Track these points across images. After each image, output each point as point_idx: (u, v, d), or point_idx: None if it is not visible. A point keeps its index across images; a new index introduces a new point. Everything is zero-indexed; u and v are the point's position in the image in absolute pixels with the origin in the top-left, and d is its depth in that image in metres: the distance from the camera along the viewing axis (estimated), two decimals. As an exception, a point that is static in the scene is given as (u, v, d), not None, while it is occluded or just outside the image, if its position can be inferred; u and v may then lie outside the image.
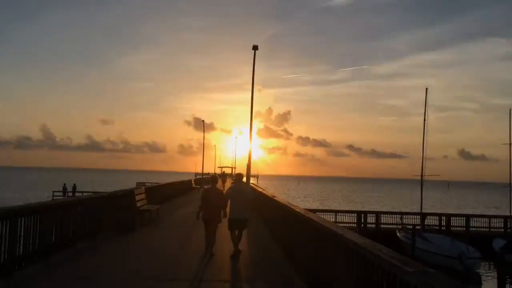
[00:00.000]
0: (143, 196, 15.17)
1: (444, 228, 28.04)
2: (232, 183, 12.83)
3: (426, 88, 28.61)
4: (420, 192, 27.94)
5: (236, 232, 9.10)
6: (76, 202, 9.79)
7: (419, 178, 28.20)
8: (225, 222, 9.30)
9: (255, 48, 19.93)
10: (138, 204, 14.01)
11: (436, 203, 71.34)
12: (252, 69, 20.43)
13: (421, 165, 28.06)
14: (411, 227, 27.31)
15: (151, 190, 18.56)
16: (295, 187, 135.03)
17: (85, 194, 40.63)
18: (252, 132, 20.90)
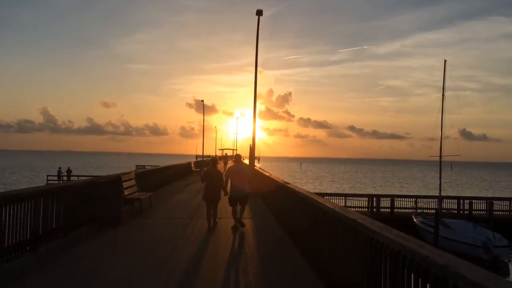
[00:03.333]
0: (132, 182, 13.04)
1: (463, 212, 26.18)
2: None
3: (445, 60, 26.23)
4: (438, 174, 25.91)
5: (239, 207, 10.10)
6: (39, 192, 7.66)
7: (437, 159, 26.06)
8: (224, 199, 10.37)
9: (259, 13, 17.58)
10: (126, 192, 11.94)
11: (448, 185, 69.38)
12: (256, 38, 18.17)
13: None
14: (428, 211, 25.46)
15: (144, 175, 16.47)
16: (298, 169, 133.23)
17: (81, 178, 38.74)
18: (256, 109, 18.68)
